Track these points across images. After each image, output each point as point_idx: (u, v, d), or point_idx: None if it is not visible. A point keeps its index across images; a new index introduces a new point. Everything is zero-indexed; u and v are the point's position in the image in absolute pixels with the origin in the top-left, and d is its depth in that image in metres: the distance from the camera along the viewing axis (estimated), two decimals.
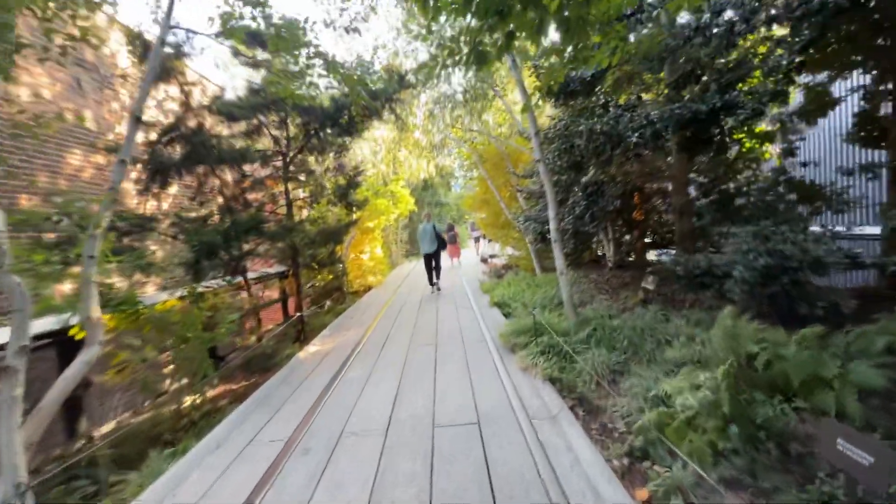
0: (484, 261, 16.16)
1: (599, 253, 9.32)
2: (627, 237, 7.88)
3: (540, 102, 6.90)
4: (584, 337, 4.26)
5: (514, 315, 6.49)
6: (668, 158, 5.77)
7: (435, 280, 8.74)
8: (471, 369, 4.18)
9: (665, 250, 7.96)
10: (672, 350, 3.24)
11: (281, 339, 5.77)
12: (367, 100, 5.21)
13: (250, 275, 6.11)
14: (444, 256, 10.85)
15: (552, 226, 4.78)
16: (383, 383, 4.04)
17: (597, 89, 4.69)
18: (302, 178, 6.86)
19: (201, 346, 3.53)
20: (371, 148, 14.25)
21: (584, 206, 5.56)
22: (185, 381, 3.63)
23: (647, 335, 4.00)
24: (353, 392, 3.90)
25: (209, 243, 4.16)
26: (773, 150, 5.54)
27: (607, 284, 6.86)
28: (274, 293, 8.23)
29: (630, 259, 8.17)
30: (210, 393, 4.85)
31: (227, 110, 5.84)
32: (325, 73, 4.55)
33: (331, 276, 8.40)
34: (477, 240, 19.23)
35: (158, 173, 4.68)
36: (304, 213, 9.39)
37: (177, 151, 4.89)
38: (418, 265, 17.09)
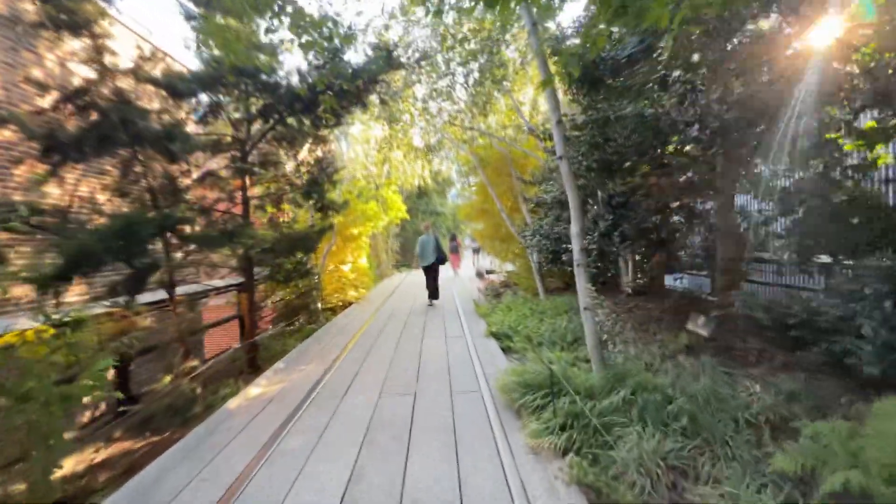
0: (480, 275, 14.98)
1: (608, 274, 8.18)
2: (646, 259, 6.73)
3: (560, 95, 5.78)
4: (618, 402, 3.05)
5: (515, 351, 5.27)
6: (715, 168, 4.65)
7: (432, 297, 8.71)
8: (459, 441, 2.95)
9: (680, 275, 6.85)
10: (781, 459, 2.02)
11: (220, 373, 4.53)
12: (344, 71, 4.08)
13: (186, 289, 4.89)
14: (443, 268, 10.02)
15: (575, 245, 3.60)
16: (335, 460, 2.80)
17: (638, 68, 3.55)
18: (265, 172, 5.65)
19: (47, 410, 2.30)
20: (362, 148, 13.12)
21: (611, 221, 4.40)
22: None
23: (713, 408, 2.80)
24: (288, 475, 2.66)
25: (82, 249, 2.94)
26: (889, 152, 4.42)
27: (629, 316, 5.68)
28: (229, 311, 6.99)
29: (642, 282, 7.00)
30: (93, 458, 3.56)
31: (168, 83, 4.65)
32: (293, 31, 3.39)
33: (301, 291, 7.16)
34: (476, 251, 18.13)
35: (53, 151, 3.47)
36: (288, 214, 8.18)
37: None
38: (409, 277, 15.84)
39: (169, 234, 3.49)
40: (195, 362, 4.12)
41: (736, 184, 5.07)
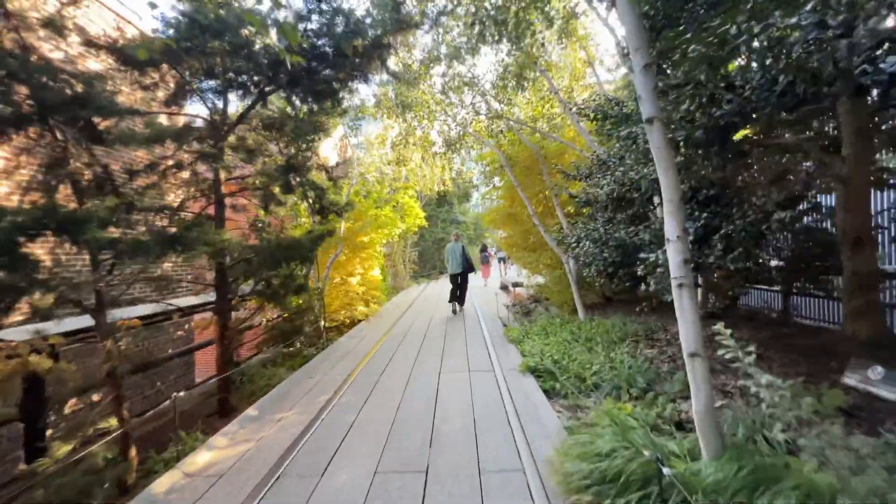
0: (505, 288, 13.64)
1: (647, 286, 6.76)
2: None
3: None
4: None
5: (562, 395, 3.95)
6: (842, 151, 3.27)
7: (457, 303, 8.86)
8: None
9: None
10: None
11: (172, 424, 3.40)
12: (336, 27, 2.94)
13: (129, 313, 3.83)
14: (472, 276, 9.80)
15: (673, 254, 2.31)
16: None
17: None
18: (248, 162, 4.56)
19: None
20: (377, 152, 12.12)
21: (704, 221, 3.08)
22: None
23: None
24: None
25: None
26: None
27: (710, 348, 4.28)
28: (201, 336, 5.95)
29: (717, 302, 5.54)
30: None
31: (116, 48, 3.65)
32: None
33: (295, 309, 6.03)
34: (502, 261, 16.87)
35: None
36: (285, 219, 7.18)
37: None
38: (428, 290, 14.65)
39: (74, 240, 2.45)
40: (125, 414, 2.99)
41: (869, 172, 3.69)
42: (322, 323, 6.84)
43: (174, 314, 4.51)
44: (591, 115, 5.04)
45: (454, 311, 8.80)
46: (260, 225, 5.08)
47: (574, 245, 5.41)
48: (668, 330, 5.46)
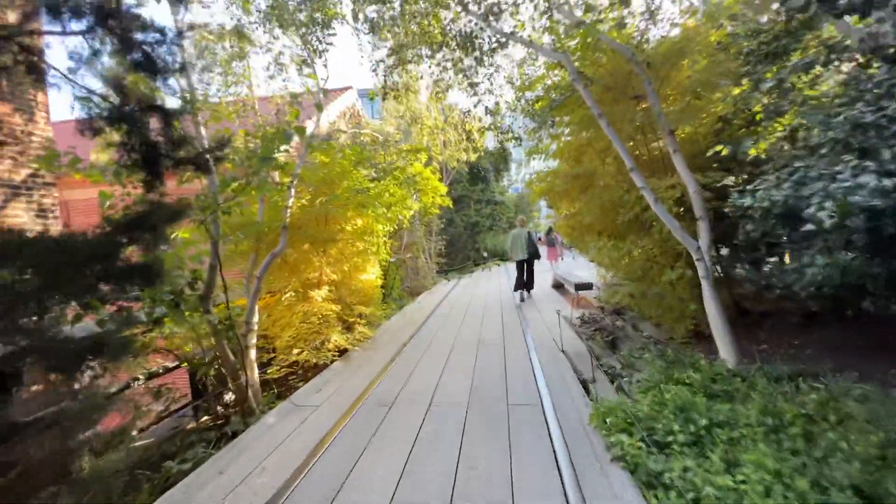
0: (559, 287, 10.07)
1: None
2: None
3: None
4: None
5: None
6: None
7: (525, 291, 8.64)
8: None
9: None
10: None
11: None
12: None
13: None
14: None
15: None
16: None
17: None
18: None
19: None
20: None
21: None
22: None
23: None
24: None
25: None
26: None
27: None
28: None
29: None
30: None
31: None
32: None
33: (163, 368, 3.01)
34: (552, 244, 13.83)
35: None
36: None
37: None
38: (457, 290, 11.36)
39: None
40: None
41: None
42: (247, 378, 3.77)
43: None
44: None
45: (522, 299, 8.52)
46: None
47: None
48: None
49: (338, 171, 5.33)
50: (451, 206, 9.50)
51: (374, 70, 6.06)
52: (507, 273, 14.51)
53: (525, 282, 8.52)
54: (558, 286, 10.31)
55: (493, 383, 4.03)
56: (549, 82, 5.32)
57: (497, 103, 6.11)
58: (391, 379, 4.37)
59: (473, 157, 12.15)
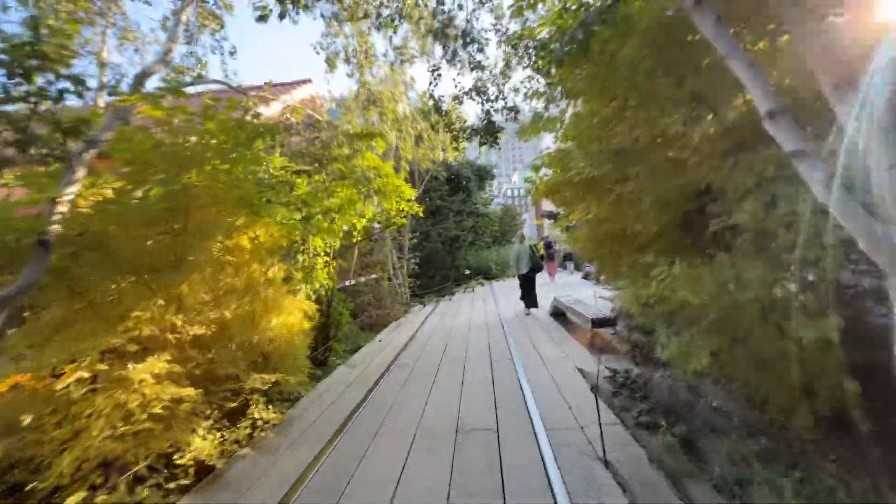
0: (560, 315, 7.93)
1: None
2: None
3: None
4: None
5: None
6: None
7: (529, 305, 8.68)
8: None
9: None
10: None
11: None
12: None
13: None
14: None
15: None
16: None
17: None
18: None
19: None
20: None
21: None
22: None
23: None
24: None
25: None
26: None
27: None
28: None
29: None
30: None
31: None
32: None
33: None
34: (552, 258, 13.48)
35: None
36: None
37: None
38: (436, 317, 9.07)
39: None
40: None
41: None
42: None
43: None
44: None
45: (526, 313, 8.57)
46: None
47: None
48: None
49: (213, 145, 3.03)
50: (420, 214, 7.30)
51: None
52: (493, 295, 12.33)
53: (527, 295, 8.62)
54: (558, 314, 8.17)
55: None
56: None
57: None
58: None
59: (453, 156, 10.04)
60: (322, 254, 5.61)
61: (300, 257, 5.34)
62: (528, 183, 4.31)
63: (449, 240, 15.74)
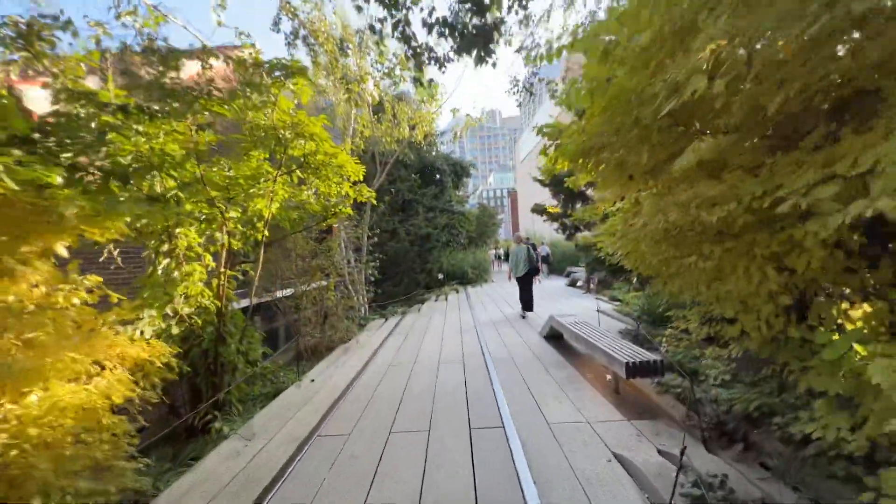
0: (558, 337, 6.05)
1: None
2: None
3: None
4: None
5: None
6: None
7: (526, 308, 8.59)
8: None
9: None
10: None
11: None
12: None
13: None
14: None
15: None
16: None
17: None
18: None
19: None
20: None
21: None
22: None
23: None
24: None
25: None
26: None
27: None
28: None
29: None
30: None
31: None
32: None
33: None
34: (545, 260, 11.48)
35: None
36: None
37: None
38: (397, 338, 7.00)
39: None
40: None
41: None
42: None
43: None
44: None
45: (522, 316, 8.48)
46: None
47: None
48: None
49: None
50: (374, 202, 5.29)
51: None
52: (469, 306, 10.41)
53: (524, 298, 8.57)
54: (555, 336, 6.33)
55: None
56: None
57: None
58: None
59: (422, 134, 8.03)
60: (202, 256, 3.50)
61: (162, 262, 3.23)
62: (547, 136, 2.39)
63: (419, 238, 13.67)
